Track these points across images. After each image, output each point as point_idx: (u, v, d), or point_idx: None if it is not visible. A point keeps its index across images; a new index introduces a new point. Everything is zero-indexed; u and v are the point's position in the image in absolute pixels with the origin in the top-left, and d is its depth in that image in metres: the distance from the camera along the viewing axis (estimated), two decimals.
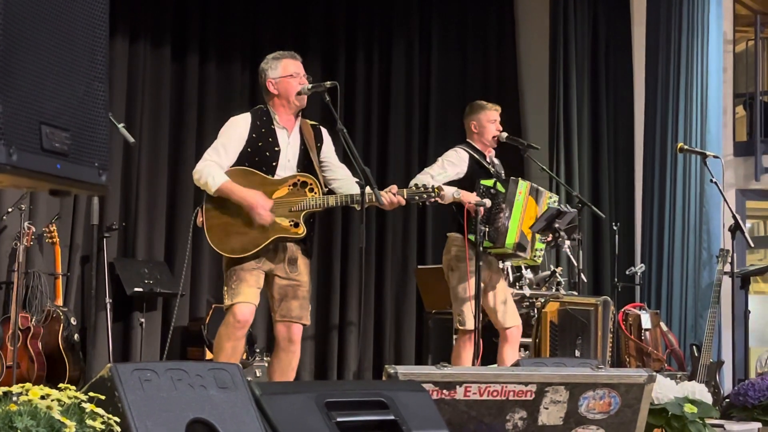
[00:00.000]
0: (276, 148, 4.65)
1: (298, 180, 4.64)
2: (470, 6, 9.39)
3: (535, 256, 5.80)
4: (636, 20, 9.12)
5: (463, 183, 5.58)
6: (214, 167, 4.56)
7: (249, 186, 4.57)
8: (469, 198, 5.45)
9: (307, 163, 4.74)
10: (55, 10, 1.98)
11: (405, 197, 4.65)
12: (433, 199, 4.76)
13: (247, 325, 4.59)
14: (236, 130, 4.65)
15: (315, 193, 4.62)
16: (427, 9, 9.21)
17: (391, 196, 4.59)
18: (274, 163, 4.64)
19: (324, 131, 4.89)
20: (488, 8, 9.45)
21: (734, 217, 6.45)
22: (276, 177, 4.64)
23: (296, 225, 4.59)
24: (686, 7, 8.63)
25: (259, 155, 4.63)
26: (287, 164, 4.67)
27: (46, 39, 1.97)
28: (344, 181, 4.80)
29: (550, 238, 5.80)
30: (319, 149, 4.80)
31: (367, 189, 4.48)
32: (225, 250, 4.57)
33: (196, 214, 4.66)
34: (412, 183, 4.85)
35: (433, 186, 4.72)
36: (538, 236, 5.74)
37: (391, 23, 9.03)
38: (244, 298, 4.55)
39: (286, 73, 4.71)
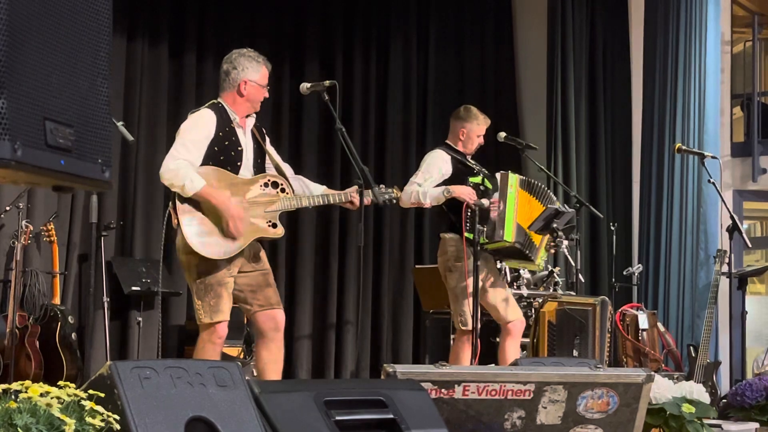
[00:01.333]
0: (239, 148, 4.60)
1: (269, 180, 4.61)
2: (468, 6, 9.40)
3: (541, 263, 5.83)
4: (634, 21, 9.14)
5: (450, 183, 5.61)
6: (190, 168, 4.42)
7: (220, 186, 4.49)
8: (465, 192, 5.47)
9: (260, 161, 4.71)
10: (59, 6, 1.98)
11: (371, 197, 4.69)
12: (394, 197, 4.86)
13: (224, 339, 4.59)
14: (205, 127, 4.53)
15: (287, 193, 4.61)
16: (425, 9, 9.21)
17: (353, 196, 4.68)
18: (238, 163, 4.57)
19: (263, 129, 4.87)
20: (486, 8, 9.46)
21: (732, 217, 6.45)
22: (241, 177, 4.59)
23: (274, 226, 4.58)
24: (684, 8, 8.64)
25: (224, 154, 4.54)
26: (247, 163, 4.62)
27: (51, 35, 1.96)
28: (294, 179, 4.80)
29: (553, 251, 5.82)
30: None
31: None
32: (206, 252, 4.45)
33: (169, 215, 4.52)
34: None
35: (390, 189, 4.88)
36: (544, 243, 5.74)
37: (389, 23, 9.03)
38: (224, 316, 4.52)
39: (262, 82, 4.68)
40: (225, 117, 4.59)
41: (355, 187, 4.67)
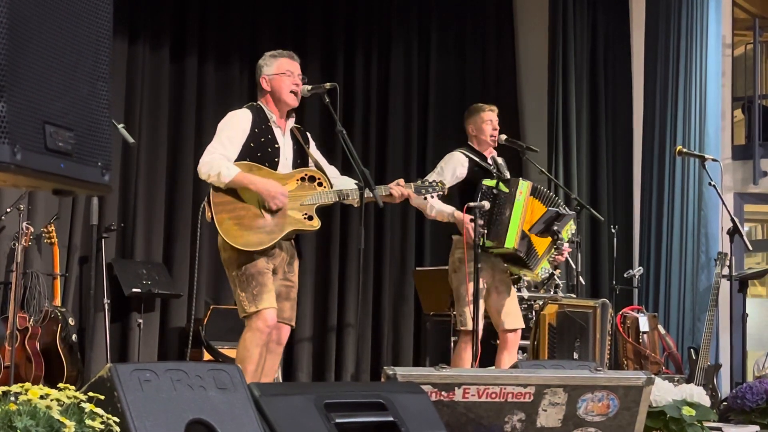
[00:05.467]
0: (276, 145, 4.64)
1: (306, 175, 4.64)
2: (469, 8, 9.40)
3: (540, 273, 5.80)
4: (635, 23, 9.14)
5: (464, 186, 5.61)
6: (224, 159, 4.48)
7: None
8: (465, 223, 5.45)
9: (300, 162, 4.74)
10: (59, 9, 1.98)
11: (412, 190, 4.79)
12: (438, 193, 4.92)
13: (273, 328, 4.53)
14: (240, 124, 4.60)
15: (324, 187, 4.62)
16: (426, 10, 9.22)
17: (401, 188, 4.69)
18: (276, 159, 4.61)
19: (308, 133, 4.92)
20: (487, 10, 9.46)
21: (732, 220, 6.46)
22: (278, 172, 4.62)
23: (310, 218, 4.59)
24: (685, 11, 8.64)
25: (261, 151, 4.59)
26: (285, 162, 4.66)
27: (51, 39, 1.96)
28: (337, 179, 4.82)
29: (555, 263, 5.81)
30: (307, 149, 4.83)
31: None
32: (240, 243, 4.46)
33: (203, 209, 4.56)
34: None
35: (436, 181, 4.93)
36: (547, 255, 5.70)
37: (390, 25, 9.03)
38: (270, 303, 4.48)
39: (279, 71, 4.69)
40: (262, 116, 4.66)
41: (397, 181, 4.74)
